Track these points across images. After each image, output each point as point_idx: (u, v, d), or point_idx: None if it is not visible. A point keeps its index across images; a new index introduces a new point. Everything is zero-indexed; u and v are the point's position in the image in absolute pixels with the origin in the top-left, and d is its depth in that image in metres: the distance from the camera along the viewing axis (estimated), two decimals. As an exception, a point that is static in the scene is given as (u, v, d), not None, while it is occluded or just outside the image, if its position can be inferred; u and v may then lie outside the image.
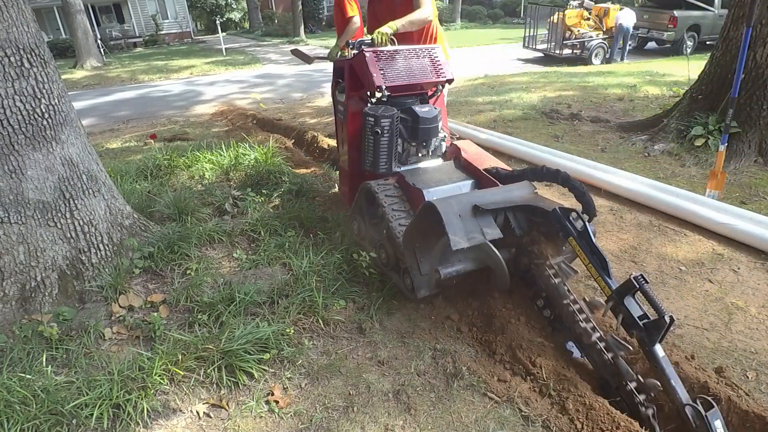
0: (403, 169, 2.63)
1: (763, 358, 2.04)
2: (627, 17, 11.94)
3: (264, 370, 1.93)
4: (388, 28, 2.87)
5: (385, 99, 2.55)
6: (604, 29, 12.69)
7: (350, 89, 2.75)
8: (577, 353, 2.03)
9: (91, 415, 1.64)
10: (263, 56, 17.32)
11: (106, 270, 2.34)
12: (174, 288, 2.40)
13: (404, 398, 1.84)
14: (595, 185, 3.67)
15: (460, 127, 5.21)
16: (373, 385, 1.89)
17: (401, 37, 3.09)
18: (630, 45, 12.80)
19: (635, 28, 12.40)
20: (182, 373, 1.85)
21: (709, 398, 1.60)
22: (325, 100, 8.80)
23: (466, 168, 2.60)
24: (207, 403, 1.80)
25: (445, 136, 2.77)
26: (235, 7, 32.14)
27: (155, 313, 2.21)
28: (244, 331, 2.01)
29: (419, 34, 3.27)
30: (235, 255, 2.68)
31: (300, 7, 22.34)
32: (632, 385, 1.73)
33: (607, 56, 12.33)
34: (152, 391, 1.76)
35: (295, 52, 3.84)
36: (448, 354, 2.05)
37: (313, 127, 5.85)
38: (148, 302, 2.29)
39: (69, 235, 2.26)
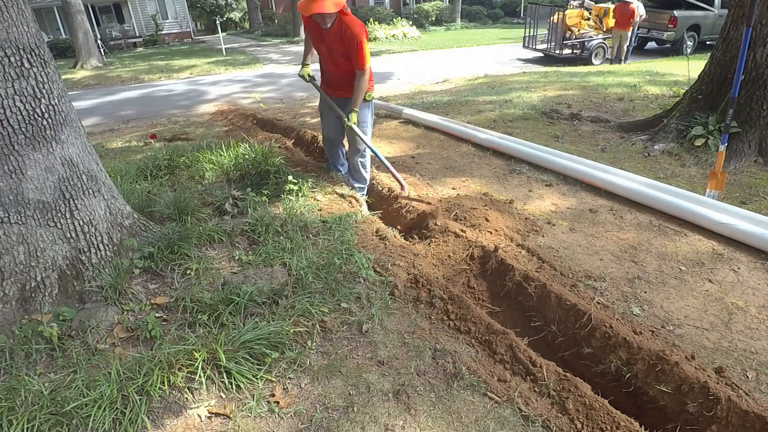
0: None
1: (763, 358, 2.04)
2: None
3: (267, 372, 1.92)
4: (353, 120, 3.36)
5: None
6: (605, 29, 12.69)
7: None
8: None
9: (92, 415, 1.64)
10: (264, 56, 17.33)
11: (106, 270, 2.34)
12: (174, 288, 2.40)
13: (404, 398, 1.84)
14: (595, 185, 3.67)
15: (459, 126, 5.21)
16: (373, 385, 1.89)
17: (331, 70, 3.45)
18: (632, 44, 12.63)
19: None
20: (182, 374, 1.85)
21: None
22: (325, 100, 8.78)
23: None
24: (207, 403, 1.80)
25: None
26: (235, 7, 32.15)
27: (155, 314, 2.21)
28: (243, 332, 2.01)
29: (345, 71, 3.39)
30: (235, 255, 2.68)
31: (300, 7, 22.31)
32: None
33: (610, 57, 12.25)
34: (152, 392, 1.76)
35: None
36: (448, 354, 2.04)
37: (314, 127, 5.85)
38: (149, 303, 2.29)
39: (69, 235, 2.26)
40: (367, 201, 3.80)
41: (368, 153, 3.76)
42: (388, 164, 3.68)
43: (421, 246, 3.09)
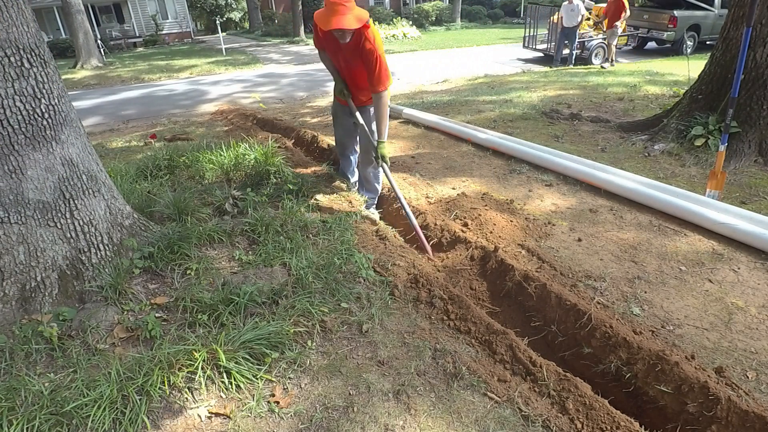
0: None
1: (763, 358, 2.04)
2: (567, 16, 11.26)
3: (267, 372, 1.93)
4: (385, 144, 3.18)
5: None
6: (604, 29, 12.69)
7: None
8: None
9: (91, 415, 1.64)
10: (264, 56, 17.34)
11: (106, 270, 2.34)
12: (174, 288, 2.40)
13: (404, 398, 1.84)
14: (595, 185, 3.67)
15: (459, 126, 5.21)
16: (373, 385, 1.89)
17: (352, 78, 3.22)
18: (576, 51, 11.95)
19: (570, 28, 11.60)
20: (182, 374, 1.85)
21: None
22: (326, 99, 8.80)
23: None
24: (207, 403, 1.80)
25: None
26: (235, 7, 32.14)
27: (155, 314, 2.21)
28: (243, 332, 2.01)
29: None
30: (235, 255, 2.68)
31: (300, 7, 22.33)
32: None
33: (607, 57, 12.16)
34: (152, 392, 1.76)
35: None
36: (448, 354, 2.04)
37: (314, 127, 5.85)
38: (149, 303, 2.29)
39: (69, 235, 2.26)
40: (375, 214, 3.55)
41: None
42: (415, 224, 3.18)
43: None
